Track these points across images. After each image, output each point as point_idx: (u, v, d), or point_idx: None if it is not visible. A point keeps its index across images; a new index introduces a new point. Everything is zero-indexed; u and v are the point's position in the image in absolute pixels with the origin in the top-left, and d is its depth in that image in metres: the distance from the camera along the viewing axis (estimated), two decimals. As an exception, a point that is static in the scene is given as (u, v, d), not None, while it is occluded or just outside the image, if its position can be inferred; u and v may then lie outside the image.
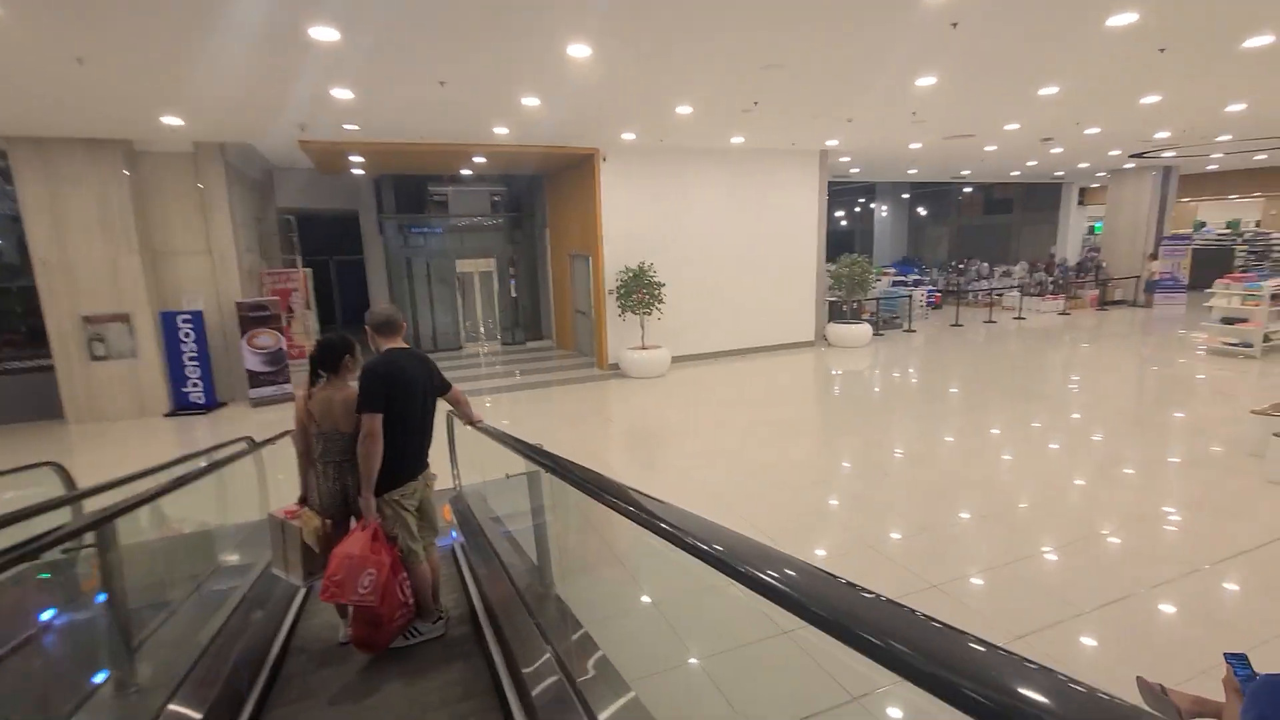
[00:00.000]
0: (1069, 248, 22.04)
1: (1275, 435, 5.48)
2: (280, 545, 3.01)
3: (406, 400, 2.96)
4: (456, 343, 14.52)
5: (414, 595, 3.03)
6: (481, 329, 15.04)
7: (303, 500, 3.06)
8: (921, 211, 25.57)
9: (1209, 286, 11.24)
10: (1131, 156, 14.76)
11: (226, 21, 4.33)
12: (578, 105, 7.20)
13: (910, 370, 10.82)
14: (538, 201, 14.26)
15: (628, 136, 9.55)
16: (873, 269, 13.04)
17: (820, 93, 7.09)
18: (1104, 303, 17.38)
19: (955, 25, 4.89)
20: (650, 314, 10.36)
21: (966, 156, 13.80)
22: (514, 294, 14.93)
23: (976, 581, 3.99)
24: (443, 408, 3.53)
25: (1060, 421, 7.41)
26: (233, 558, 4.32)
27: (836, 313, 13.18)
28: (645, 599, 3.91)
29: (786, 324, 12.42)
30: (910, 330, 14.30)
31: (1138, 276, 17.53)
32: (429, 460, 3.22)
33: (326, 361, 2.97)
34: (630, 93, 6.72)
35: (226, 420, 8.70)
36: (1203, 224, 22.96)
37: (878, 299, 14.45)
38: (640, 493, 1.80)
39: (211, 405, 9.21)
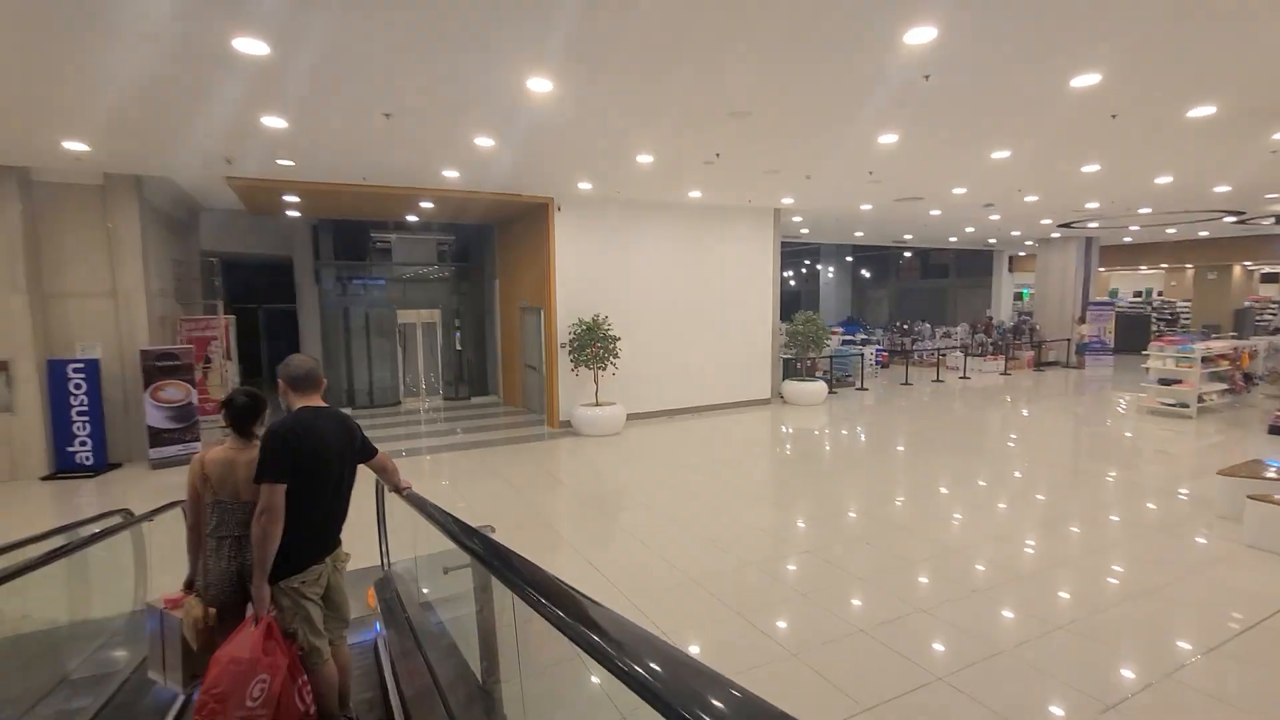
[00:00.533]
0: (1002, 311, 23.07)
1: (1250, 498, 5.36)
2: (159, 642, 2.59)
3: (315, 469, 2.43)
4: (395, 398, 13.58)
5: (316, 702, 2.52)
6: (423, 384, 14.17)
7: (190, 585, 2.61)
8: (865, 273, 26.46)
9: (1131, 350, 11.70)
10: (1060, 226, 15.60)
11: (128, 21, 3.75)
12: (534, 148, 6.86)
13: (872, 428, 10.62)
14: (487, 251, 13.79)
15: (584, 186, 9.29)
16: (825, 327, 13.03)
17: (783, 145, 7.00)
18: (1039, 364, 18.02)
19: (928, 78, 4.82)
20: (605, 368, 9.88)
21: (912, 220, 14.26)
22: (459, 347, 14.20)
23: (976, 670, 3.51)
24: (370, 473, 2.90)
25: (1036, 484, 7.22)
26: (87, 665, 3.42)
27: (790, 370, 13.04)
28: None
29: (743, 381, 12.15)
30: (862, 389, 14.29)
31: (1068, 339, 18.33)
32: (341, 538, 2.67)
33: (235, 418, 2.58)
34: (591, 134, 6.43)
35: (117, 484, 7.56)
36: (1116, 291, 24.60)
37: (830, 357, 14.46)
38: (593, 602, 1.44)
39: (102, 466, 8.02)
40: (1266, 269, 21.48)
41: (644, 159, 7.48)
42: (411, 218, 11.97)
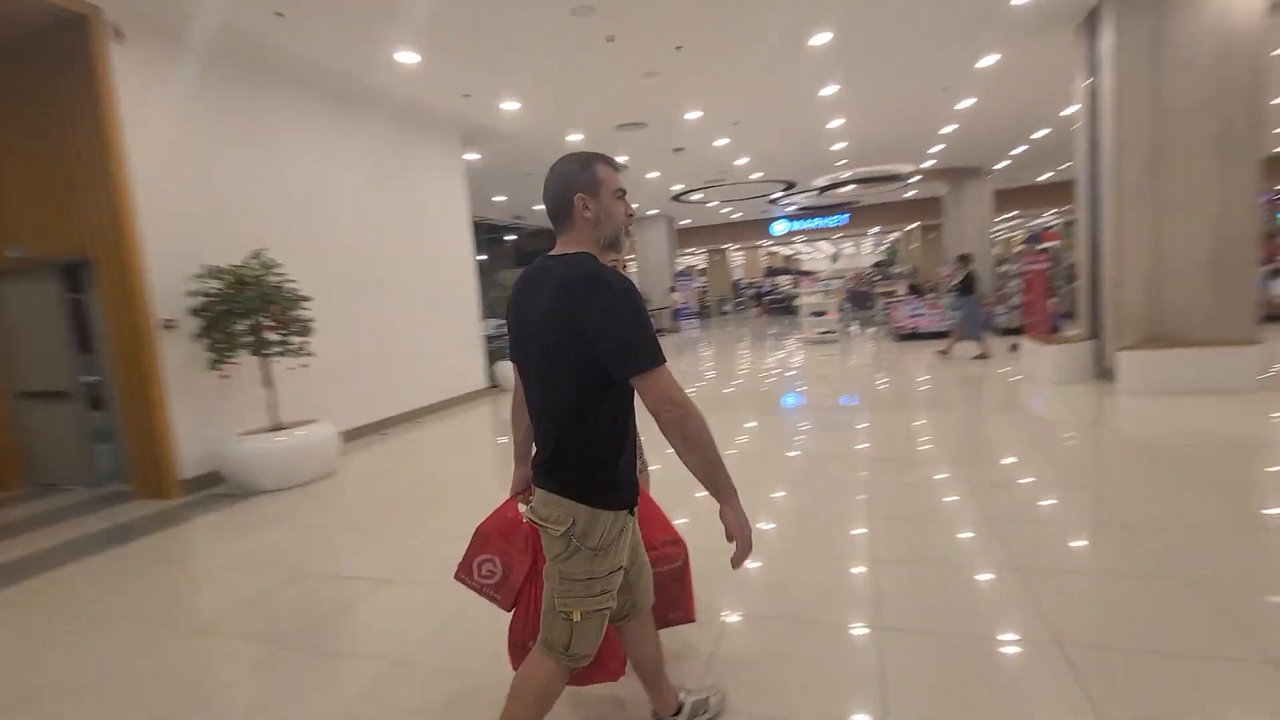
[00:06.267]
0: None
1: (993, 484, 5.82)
2: None
3: None
4: None
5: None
6: None
7: None
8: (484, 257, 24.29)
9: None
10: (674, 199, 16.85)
11: None
12: None
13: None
14: None
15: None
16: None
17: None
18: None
19: None
20: (294, 352, 5.22)
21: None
22: None
23: None
24: None
25: (883, 413, 6.71)
26: None
27: (499, 352, 10.09)
28: None
29: (458, 367, 8.66)
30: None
31: (666, 307, 20.38)
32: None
33: None
34: None
35: None
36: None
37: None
38: None
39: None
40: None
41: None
42: None
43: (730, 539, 1.50)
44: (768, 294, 24.77)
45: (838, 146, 11.94)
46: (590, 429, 1.52)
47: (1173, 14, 5.85)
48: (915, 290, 14.60)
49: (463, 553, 1.99)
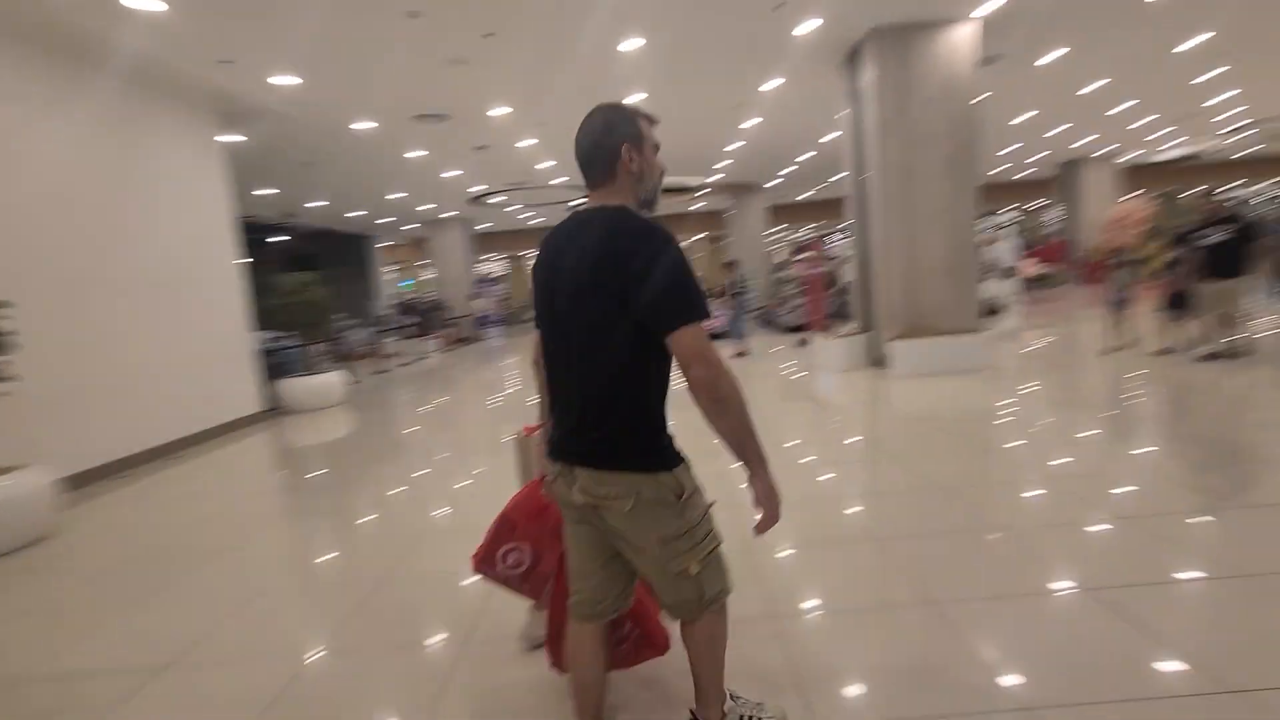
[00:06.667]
0: (384, 300, 22.45)
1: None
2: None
3: None
4: None
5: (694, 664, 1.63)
6: None
7: None
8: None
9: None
10: (472, 201, 16.06)
11: None
12: None
13: (449, 423, 8.15)
14: None
15: None
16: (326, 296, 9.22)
17: None
18: (459, 339, 18.42)
19: None
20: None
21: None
22: None
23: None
24: None
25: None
26: None
27: (279, 369, 8.64)
28: None
29: (222, 388, 7.20)
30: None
31: (469, 315, 19.44)
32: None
33: None
34: None
35: None
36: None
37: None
38: None
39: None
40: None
41: None
42: None
43: (757, 507, 1.45)
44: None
45: (638, 156, 12.36)
46: (636, 391, 1.43)
47: (913, 59, 6.97)
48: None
49: (477, 546, 1.92)
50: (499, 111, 8.66)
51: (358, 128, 8.78)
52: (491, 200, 16.29)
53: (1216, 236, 6.10)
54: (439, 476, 4.98)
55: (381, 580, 3.06)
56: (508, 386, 9.76)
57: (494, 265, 27.65)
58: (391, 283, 24.33)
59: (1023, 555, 2.73)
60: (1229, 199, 15.72)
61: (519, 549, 1.85)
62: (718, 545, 1.54)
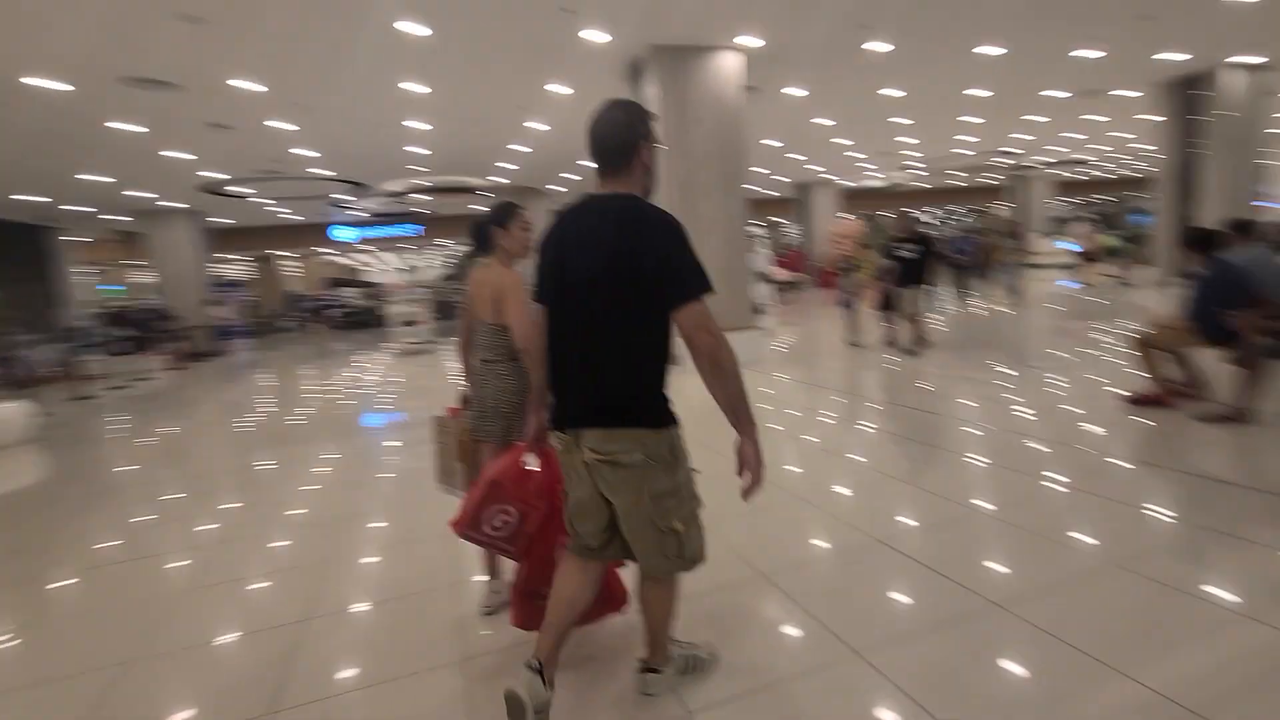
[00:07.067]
0: (74, 307, 17.83)
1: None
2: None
3: None
4: None
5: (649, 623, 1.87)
6: None
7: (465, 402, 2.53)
8: None
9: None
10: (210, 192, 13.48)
11: None
12: None
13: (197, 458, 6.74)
14: None
15: None
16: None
17: None
18: (192, 355, 15.36)
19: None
20: None
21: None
22: None
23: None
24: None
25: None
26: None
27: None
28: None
29: None
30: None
31: (205, 325, 16.37)
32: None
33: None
34: None
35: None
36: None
37: None
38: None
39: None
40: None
41: None
42: None
43: (742, 472, 1.63)
44: (333, 307, 22.34)
45: (416, 149, 11.55)
46: (645, 356, 1.63)
47: (689, 83, 7.53)
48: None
49: (458, 513, 2.00)
50: (245, 85, 7.40)
51: (31, 83, 6.81)
52: (232, 189, 13.89)
53: (906, 251, 7.56)
54: (166, 525, 4.05)
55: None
56: (260, 407, 8.40)
57: (237, 268, 23.75)
58: (88, 287, 19.46)
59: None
60: (920, 220, 19.85)
61: (507, 510, 1.97)
62: (699, 507, 1.76)
